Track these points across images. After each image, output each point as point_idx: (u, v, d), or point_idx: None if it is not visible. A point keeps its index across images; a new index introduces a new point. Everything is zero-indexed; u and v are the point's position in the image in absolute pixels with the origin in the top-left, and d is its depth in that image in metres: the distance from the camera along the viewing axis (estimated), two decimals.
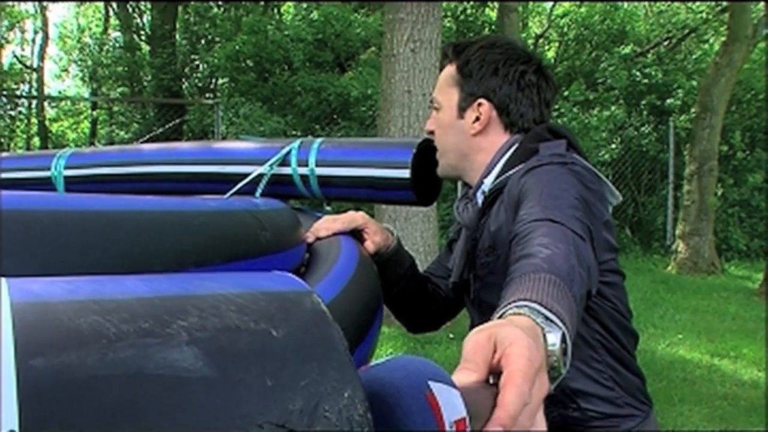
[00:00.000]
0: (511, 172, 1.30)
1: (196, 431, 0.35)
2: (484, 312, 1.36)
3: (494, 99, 1.40)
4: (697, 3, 14.29)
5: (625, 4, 14.27)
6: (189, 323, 0.38)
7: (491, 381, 0.59)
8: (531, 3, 15.67)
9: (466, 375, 0.58)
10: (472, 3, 13.79)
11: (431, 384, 0.49)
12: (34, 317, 0.35)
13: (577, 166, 1.24)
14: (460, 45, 1.46)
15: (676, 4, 14.31)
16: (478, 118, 1.41)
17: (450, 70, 1.46)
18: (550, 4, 15.36)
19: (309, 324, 0.43)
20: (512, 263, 0.93)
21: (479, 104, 1.41)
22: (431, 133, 1.49)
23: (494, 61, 1.41)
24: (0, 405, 0.30)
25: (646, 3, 14.72)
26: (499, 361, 0.60)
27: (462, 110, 1.43)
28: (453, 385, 0.51)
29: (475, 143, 1.42)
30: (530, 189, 1.17)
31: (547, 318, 0.72)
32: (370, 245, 1.44)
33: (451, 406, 0.48)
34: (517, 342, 0.60)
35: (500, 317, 0.74)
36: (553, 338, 0.70)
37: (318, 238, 1.40)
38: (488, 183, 1.39)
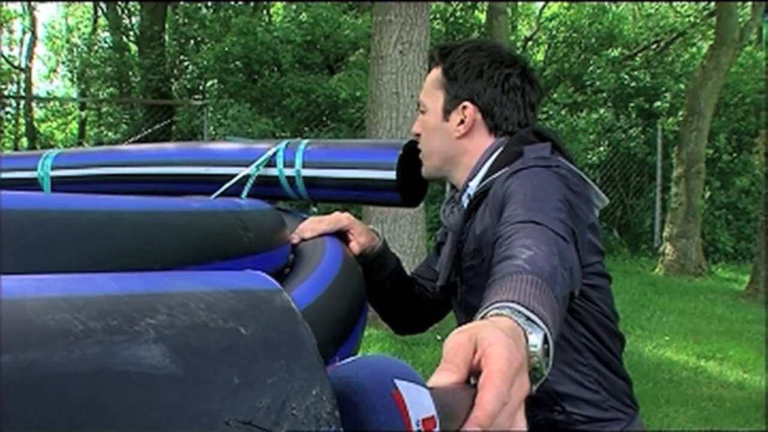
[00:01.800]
0: (495, 175, 1.31)
1: (162, 428, 0.35)
2: (470, 315, 1.36)
3: (479, 102, 1.41)
4: (685, 7, 14.38)
5: (614, 7, 14.34)
6: (157, 321, 0.38)
7: (472, 382, 0.59)
8: (520, 6, 15.72)
9: (446, 376, 0.58)
10: (461, 6, 13.82)
11: (397, 382, 0.48)
12: (2, 314, 0.35)
13: (562, 168, 1.24)
14: (446, 48, 1.47)
15: (664, 7, 14.39)
16: (462, 121, 1.41)
17: (436, 73, 1.46)
18: (539, 6, 15.42)
19: (278, 322, 0.43)
20: (495, 264, 0.93)
21: (464, 107, 1.41)
22: (418, 135, 1.49)
23: (479, 64, 1.41)
24: None
25: (635, 7, 14.79)
26: (479, 362, 0.60)
27: (447, 113, 1.43)
28: (422, 384, 0.51)
29: (460, 146, 1.43)
30: (514, 192, 1.17)
31: (528, 319, 0.72)
32: (355, 246, 1.44)
33: (419, 404, 0.48)
34: (497, 342, 0.60)
35: (482, 318, 0.74)
36: (535, 339, 0.70)
37: (303, 239, 1.40)
38: (473, 186, 1.40)
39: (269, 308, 0.44)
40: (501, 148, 1.39)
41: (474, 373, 0.60)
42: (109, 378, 0.34)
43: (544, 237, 0.97)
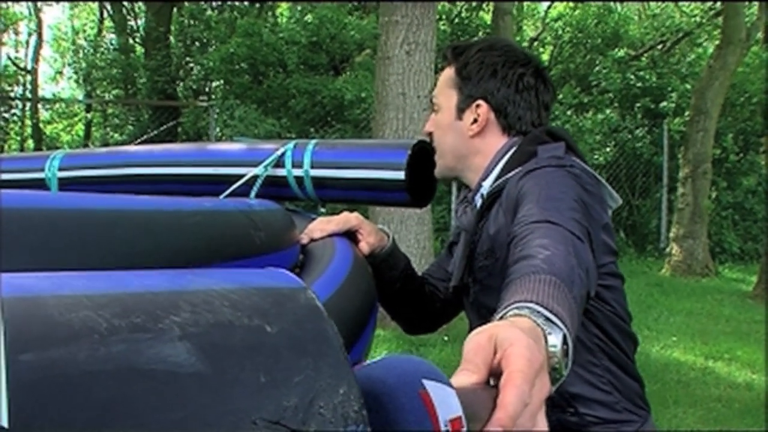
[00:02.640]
0: (509, 175, 1.30)
1: (188, 427, 0.35)
2: (482, 315, 1.35)
3: (492, 101, 1.41)
4: (691, 7, 14.35)
5: (619, 8, 14.32)
6: (182, 318, 0.38)
7: (492, 382, 0.59)
8: (525, 6, 15.71)
9: (467, 376, 0.58)
10: (466, 6, 13.81)
11: (425, 382, 0.48)
12: (24, 312, 0.34)
13: (576, 168, 1.24)
14: (460, 47, 1.47)
15: (670, 7, 14.36)
16: (476, 120, 1.41)
17: (449, 72, 1.46)
18: (545, 6, 15.41)
19: (303, 320, 0.43)
20: (511, 264, 0.93)
21: (477, 106, 1.41)
22: (430, 134, 1.49)
23: (493, 63, 1.41)
24: None
25: (640, 7, 14.77)
26: (500, 363, 0.59)
27: (460, 112, 1.43)
28: (448, 384, 0.50)
29: (473, 145, 1.42)
30: (528, 191, 1.17)
31: (547, 319, 0.72)
32: (364, 246, 1.43)
33: (446, 404, 0.48)
34: (518, 343, 0.60)
35: (501, 319, 0.73)
36: (554, 339, 0.70)
37: (312, 240, 1.39)
38: (487, 186, 1.39)
39: (294, 306, 0.43)
40: (514, 148, 1.38)
41: (494, 373, 0.59)
42: (134, 376, 0.34)
43: (560, 237, 0.96)
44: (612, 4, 14.10)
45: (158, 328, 0.36)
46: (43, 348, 0.33)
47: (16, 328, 0.33)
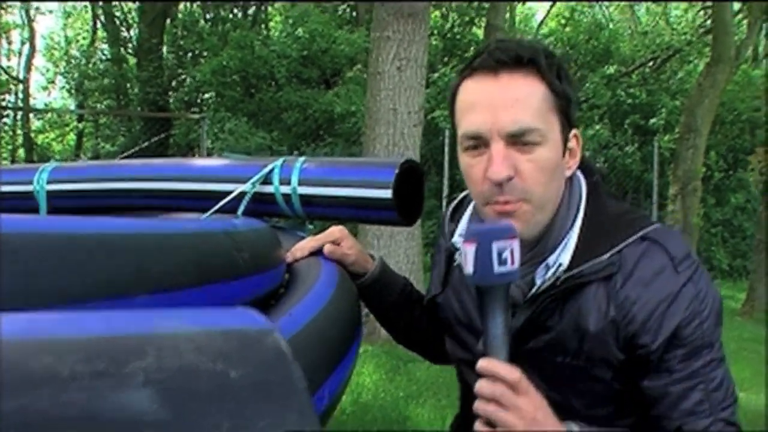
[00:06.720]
0: (602, 258, 1.02)
1: None
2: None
3: (578, 129, 1.10)
4: (681, 25, 14.47)
5: (610, 25, 14.43)
6: (146, 363, 0.38)
7: None
8: (517, 22, 15.81)
9: None
10: (458, 21, 13.88)
11: None
12: None
13: (694, 262, 1.03)
14: (548, 52, 1.06)
15: (661, 25, 14.48)
16: (569, 154, 1.08)
17: (540, 87, 1.02)
18: (536, 23, 15.51)
19: (268, 364, 0.43)
20: None
21: (575, 136, 1.08)
22: (510, 178, 1.01)
23: (570, 82, 1.07)
24: None
25: (631, 24, 14.88)
26: None
27: (564, 145, 1.06)
28: None
29: (562, 188, 1.08)
30: (664, 328, 0.99)
31: None
32: (345, 258, 1.37)
33: None
34: None
35: None
36: None
37: (296, 260, 1.38)
38: (564, 261, 1.04)
39: (259, 349, 0.43)
40: (581, 206, 1.08)
41: None
42: (95, 424, 0.34)
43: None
44: (602, 20, 14.21)
45: (121, 374, 0.36)
46: (7, 395, 0.33)
47: None
